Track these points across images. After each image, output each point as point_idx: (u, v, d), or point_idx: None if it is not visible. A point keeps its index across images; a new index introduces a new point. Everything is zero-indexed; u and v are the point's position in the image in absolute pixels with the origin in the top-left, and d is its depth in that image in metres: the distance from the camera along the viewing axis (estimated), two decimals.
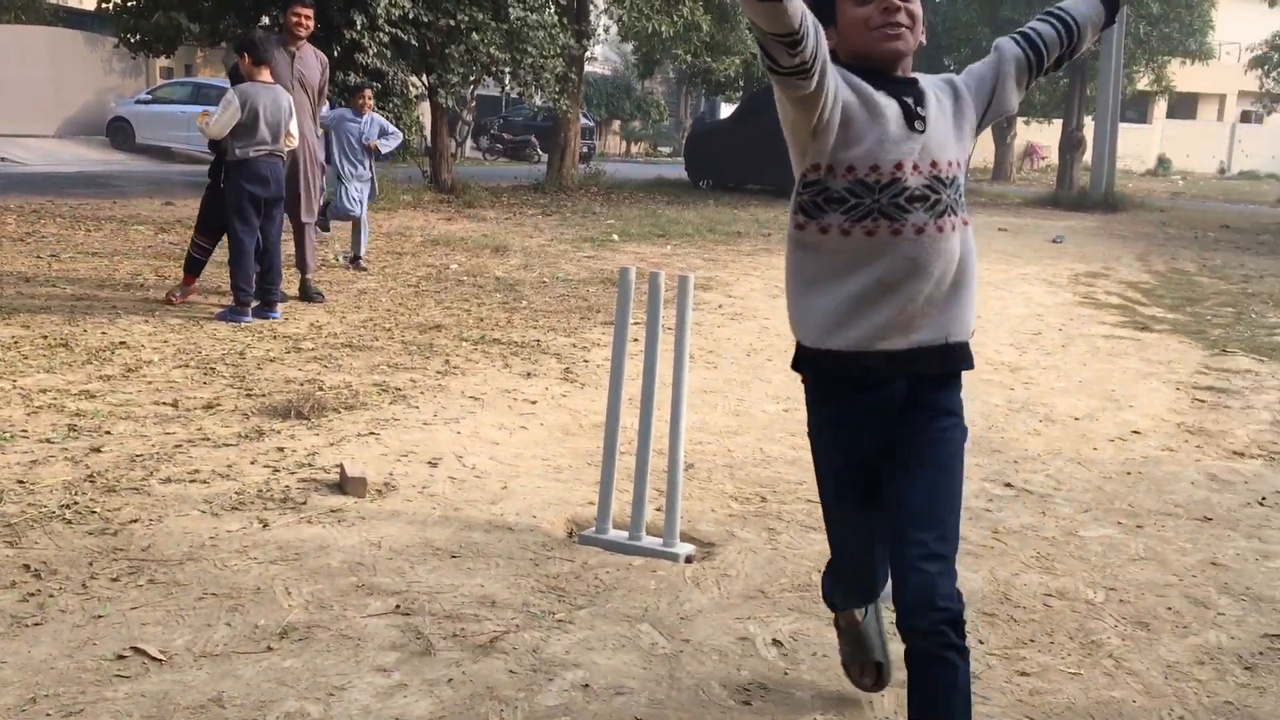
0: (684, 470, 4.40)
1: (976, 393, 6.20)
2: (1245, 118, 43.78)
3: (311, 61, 7.75)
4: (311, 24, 7.67)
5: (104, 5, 18.74)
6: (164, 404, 5.06)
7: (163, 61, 26.28)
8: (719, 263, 11.14)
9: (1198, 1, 25.49)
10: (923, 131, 2.12)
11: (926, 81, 2.21)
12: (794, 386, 6.09)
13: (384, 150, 9.83)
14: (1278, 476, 4.90)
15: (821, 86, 2.00)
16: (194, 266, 7.43)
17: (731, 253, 12.08)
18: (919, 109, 2.14)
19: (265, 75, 7.02)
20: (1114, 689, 2.91)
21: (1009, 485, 4.61)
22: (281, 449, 4.52)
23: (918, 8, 2.13)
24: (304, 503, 3.94)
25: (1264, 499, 4.57)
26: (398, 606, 3.17)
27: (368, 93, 9.88)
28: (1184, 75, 31.03)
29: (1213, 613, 3.43)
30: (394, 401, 5.32)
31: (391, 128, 9.92)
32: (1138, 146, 38.82)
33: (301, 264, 7.84)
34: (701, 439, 5.06)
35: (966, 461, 4.89)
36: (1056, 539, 4.01)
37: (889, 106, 2.11)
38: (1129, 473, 4.87)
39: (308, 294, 7.81)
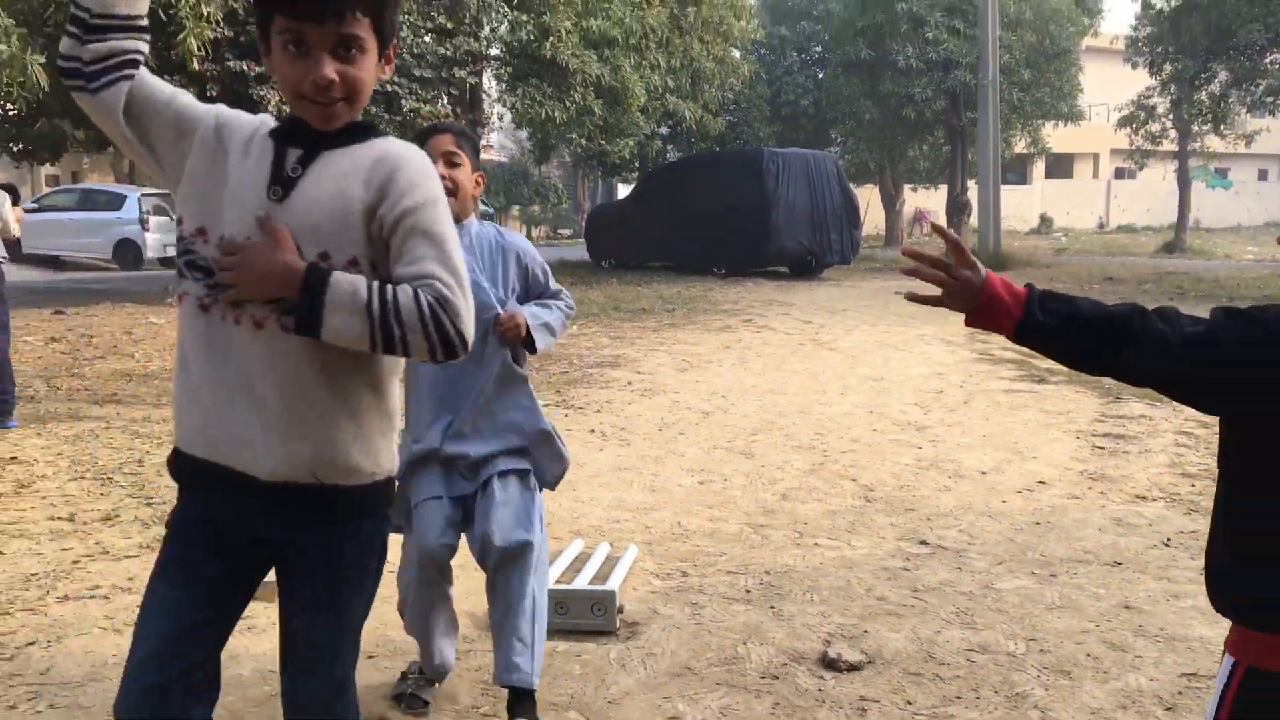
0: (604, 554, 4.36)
1: (886, 453, 6.29)
2: (1119, 174, 45.84)
3: None
4: None
5: None
6: (59, 519, 4.86)
7: (49, 169, 25.79)
8: (625, 340, 11.19)
9: (1065, 67, 26.75)
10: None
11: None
12: (709, 458, 6.12)
13: None
14: (1180, 517, 5.04)
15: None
16: None
17: (638, 329, 12.14)
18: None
19: None
20: None
21: (924, 543, 4.66)
22: None
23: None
24: None
25: (1169, 540, 4.69)
26: None
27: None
28: (1058, 137, 32.43)
29: (1130, 656, 3.48)
30: None
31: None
32: (1020, 207, 40.28)
33: None
34: (619, 516, 5.03)
35: (882, 521, 4.95)
36: (974, 593, 4.05)
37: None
38: (1038, 523, 4.96)
39: None
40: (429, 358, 1.73)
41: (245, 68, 13.31)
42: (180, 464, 1.86)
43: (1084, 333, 1.68)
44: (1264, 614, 1.62)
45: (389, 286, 1.70)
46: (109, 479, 5.53)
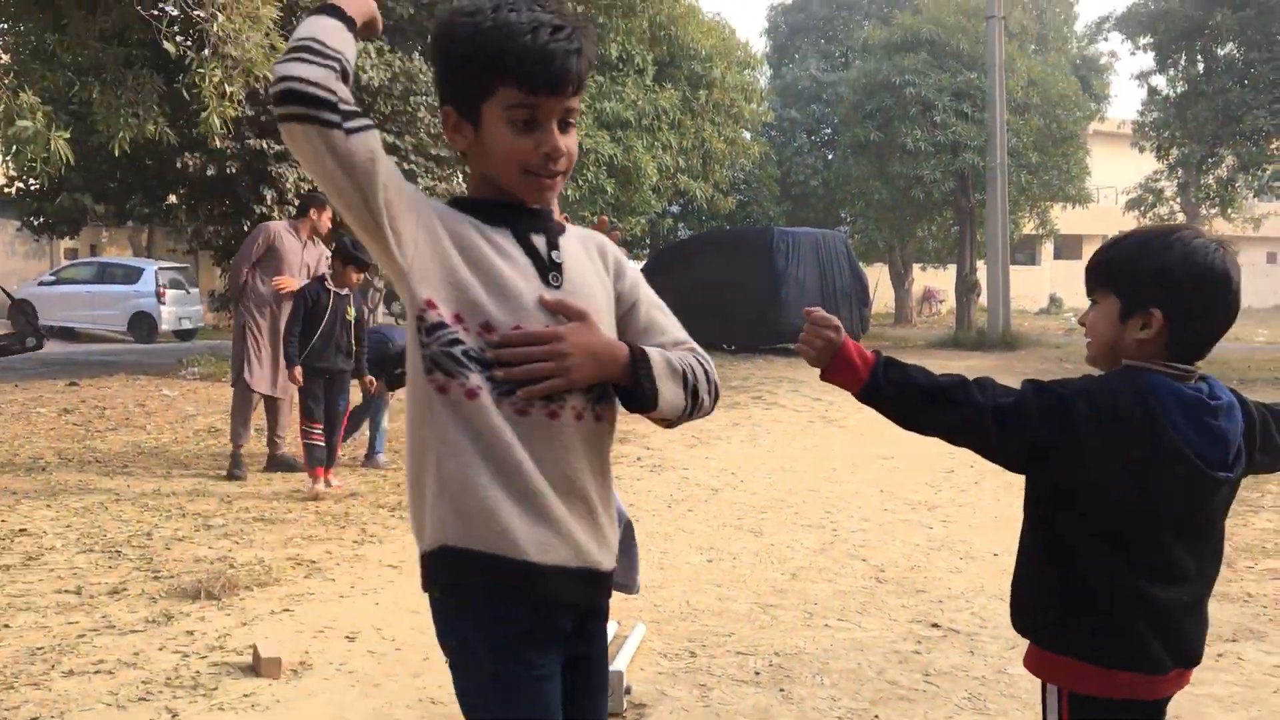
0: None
1: (896, 533, 6.25)
2: None
3: (314, 251, 8.13)
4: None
5: (6, 190, 18.67)
6: (67, 591, 4.85)
7: (67, 242, 26.13)
8: (635, 416, 11.19)
9: (1072, 151, 27.03)
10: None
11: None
12: (717, 536, 6.09)
13: None
14: None
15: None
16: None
17: None
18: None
19: None
20: None
21: (935, 625, 4.61)
22: (191, 632, 4.35)
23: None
24: (215, 688, 3.77)
25: None
26: None
27: None
28: (1067, 218, 32.63)
29: None
30: (309, 575, 5.17)
31: None
32: (1029, 287, 40.44)
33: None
34: (627, 595, 4.98)
35: (893, 603, 4.90)
36: (987, 678, 4.00)
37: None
38: None
39: (285, 462, 7.88)
40: (703, 417, 1.80)
41: (265, 146, 13.54)
42: (512, 573, 1.68)
43: (917, 398, 1.97)
44: (1086, 652, 1.92)
45: (673, 354, 1.77)
46: (117, 552, 5.52)
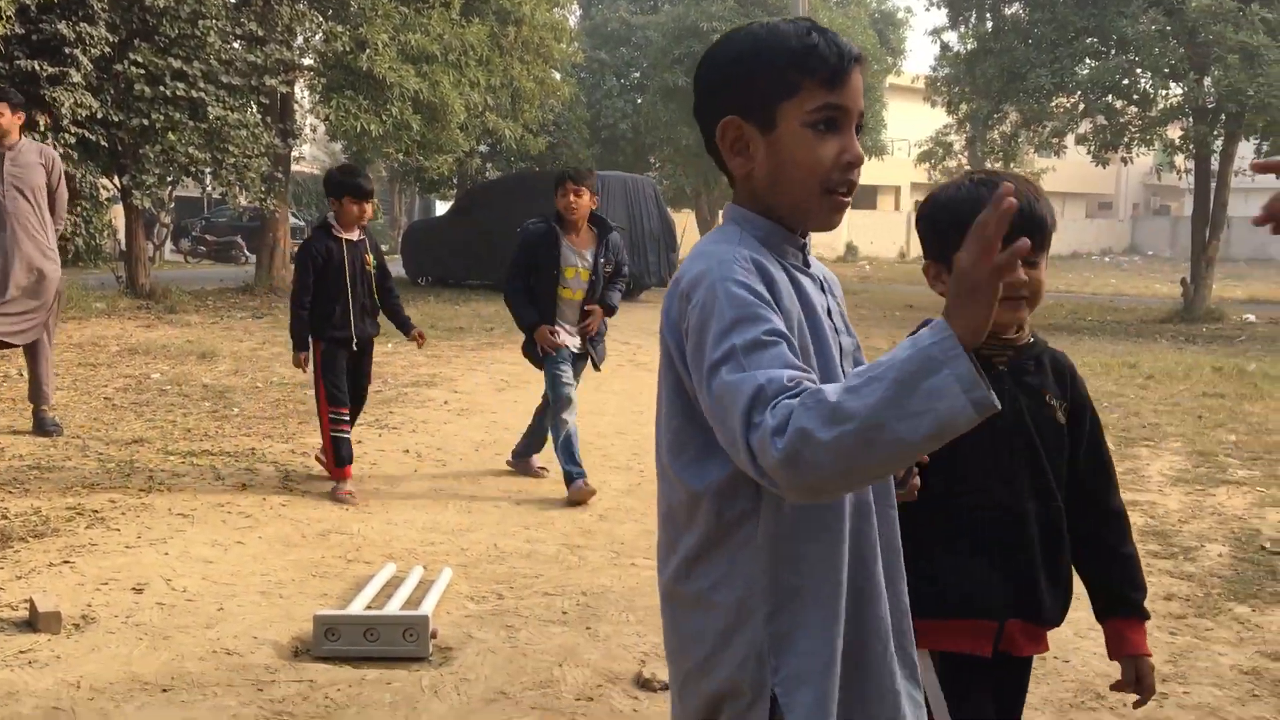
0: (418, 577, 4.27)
1: None
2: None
3: (31, 160, 6.50)
4: (15, 123, 6.46)
5: None
6: None
7: None
8: (442, 359, 11.02)
9: (869, 104, 27.93)
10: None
11: None
12: (525, 479, 6.07)
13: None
14: None
15: None
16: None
17: (455, 348, 11.98)
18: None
19: None
20: None
21: None
22: None
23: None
24: None
25: None
26: None
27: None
28: (863, 170, 33.76)
29: None
30: (91, 525, 4.88)
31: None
32: (828, 235, 41.70)
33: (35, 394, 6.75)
34: (434, 539, 4.93)
35: None
36: None
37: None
38: None
39: (42, 426, 6.67)
40: None
41: (37, 67, 12.52)
42: None
43: None
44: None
45: None
46: None
